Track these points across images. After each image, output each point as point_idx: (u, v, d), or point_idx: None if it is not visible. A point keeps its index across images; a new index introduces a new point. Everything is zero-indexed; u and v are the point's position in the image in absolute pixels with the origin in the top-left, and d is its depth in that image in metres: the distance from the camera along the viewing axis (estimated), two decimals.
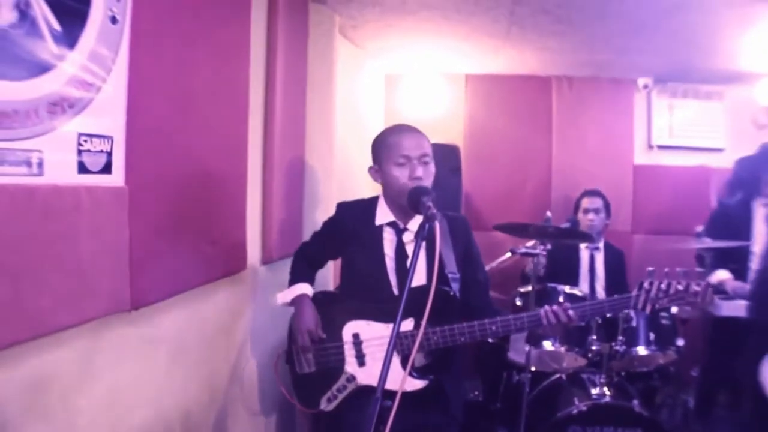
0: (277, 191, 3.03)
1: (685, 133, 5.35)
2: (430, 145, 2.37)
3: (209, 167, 2.33)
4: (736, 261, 3.63)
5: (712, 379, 3.87)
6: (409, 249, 2.39)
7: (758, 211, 3.88)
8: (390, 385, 1.60)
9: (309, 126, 3.56)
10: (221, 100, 2.42)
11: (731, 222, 3.88)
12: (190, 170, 2.18)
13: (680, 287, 2.20)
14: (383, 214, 2.45)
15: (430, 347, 2.27)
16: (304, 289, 2.54)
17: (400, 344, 2.24)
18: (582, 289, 3.80)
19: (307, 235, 3.41)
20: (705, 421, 3.88)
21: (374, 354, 2.33)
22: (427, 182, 2.30)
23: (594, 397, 3.37)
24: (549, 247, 3.49)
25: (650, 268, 2.24)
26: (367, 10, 3.69)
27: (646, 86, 5.25)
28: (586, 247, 4.27)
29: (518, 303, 3.66)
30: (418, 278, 2.27)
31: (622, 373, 3.72)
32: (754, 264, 3.57)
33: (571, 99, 5.32)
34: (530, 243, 3.67)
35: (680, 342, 3.56)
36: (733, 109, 5.30)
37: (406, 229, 2.41)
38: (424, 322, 1.70)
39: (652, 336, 3.54)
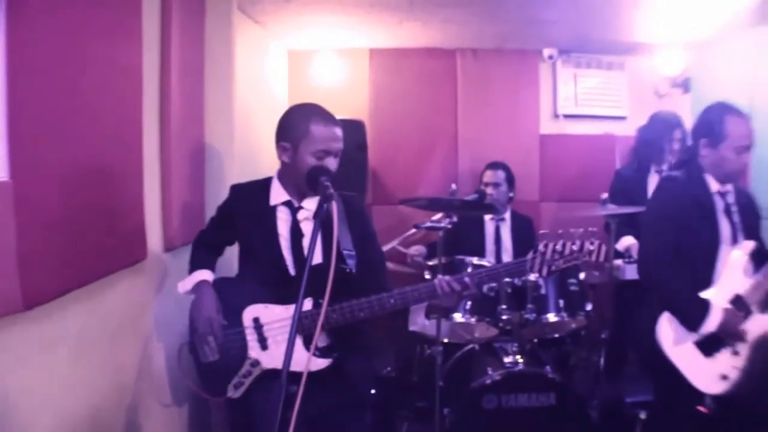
0: (176, 176, 2.94)
1: (590, 103, 5.44)
2: None
3: (101, 155, 2.22)
4: (639, 227, 3.71)
5: (621, 340, 3.98)
6: (304, 227, 2.37)
7: (652, 178, 4.01)
8: (294, 366, 1.64)
9: (208, 107, 3.48)
10: (112, 85, 2.30)
11: (628, 190, 4.00)
12: (80, 159, 2.07)
13: (575, 247, 2.21)
14: (277, 194, 2.41)
15: (330, 326, 2.25)
16: (203, 275, 2.50)
17: (300, 325, 2.20)
18: (489, 260, 3.83)
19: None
20: (615, 379, 4.00)
21: (276, 337, 2.32)
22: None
23: (507, 365, 3.42)
24: (455, 219, 3.48)
25: (543, 231, 2.23)
26: None
27: (551, 57, 5.30)
28: (491, 219, 4.31)
29: (427, 276, 3.64)
30: (314, 257, 2.23)
31: (535, 341, 3.79)
32: None
33: (477, 71, 5.30)
34: (436, 216, 3.66)
35: (589, 307, 3.66)
36: (635, 79, 5.45)
37: (300, 208, 2.39)
38: (326, 301, 1.73)
39: (561, 303, 3.61)
